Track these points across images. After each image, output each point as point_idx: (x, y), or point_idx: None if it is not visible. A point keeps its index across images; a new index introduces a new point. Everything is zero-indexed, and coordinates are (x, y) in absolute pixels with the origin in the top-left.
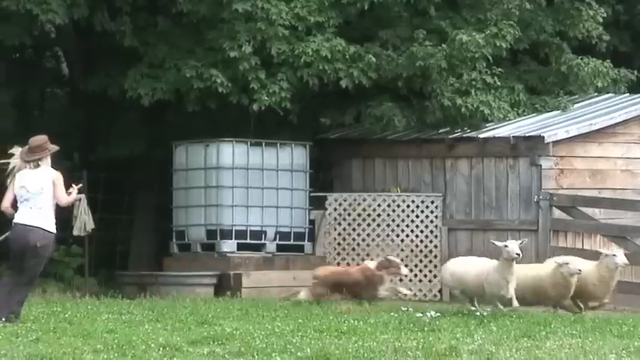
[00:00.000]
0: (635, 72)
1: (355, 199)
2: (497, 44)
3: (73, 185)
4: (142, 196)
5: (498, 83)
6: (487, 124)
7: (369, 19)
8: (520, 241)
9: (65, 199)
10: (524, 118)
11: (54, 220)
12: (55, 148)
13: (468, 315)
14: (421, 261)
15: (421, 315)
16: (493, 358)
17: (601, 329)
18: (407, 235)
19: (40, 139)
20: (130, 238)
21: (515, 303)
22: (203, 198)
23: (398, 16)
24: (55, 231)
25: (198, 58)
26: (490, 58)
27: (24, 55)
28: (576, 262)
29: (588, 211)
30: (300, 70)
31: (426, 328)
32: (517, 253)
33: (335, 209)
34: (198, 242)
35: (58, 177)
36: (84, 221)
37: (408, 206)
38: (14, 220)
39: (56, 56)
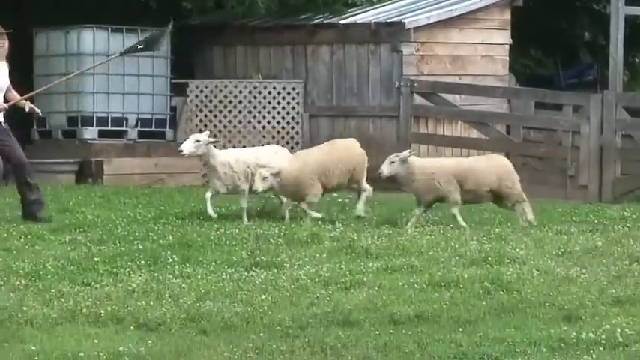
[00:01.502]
0: None
1: (217, 86)
2: None
3: None
4: None
5: None
6: (349, 10)
7: None
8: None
9: None
10: (385, 3)
11: None
12: None
13: (329, 202)
14: (283, 147)
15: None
16: (355, 244)
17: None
18: (268, 122)
19: None
20: None
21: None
22: (64, 85)
23: None
24: None
25: None
26: None
27: None
28: None
29: (449, 97)
30: None
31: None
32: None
33: (196, 96)
34: (59, 129)
35: None
36: None
37: (270, 92)
38: None
39: None
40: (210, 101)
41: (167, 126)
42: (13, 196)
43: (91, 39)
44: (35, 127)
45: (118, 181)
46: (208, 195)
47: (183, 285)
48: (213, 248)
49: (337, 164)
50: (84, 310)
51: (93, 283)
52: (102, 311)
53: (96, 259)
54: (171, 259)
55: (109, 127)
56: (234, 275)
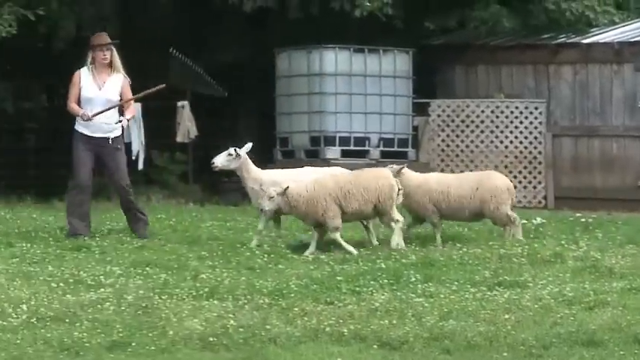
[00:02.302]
0: None
1: (459, 106)
2: None
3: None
4: (244, 102)
5: None
6: (591, 30)
7: None
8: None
9: None
10: (628, 23)
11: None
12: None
13: (573, 222)
14: (525, 167)
15: (526, 222)
16: (598, 264)
17: None
18: (511, 142)
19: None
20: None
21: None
22: (306, 105)
23: None
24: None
25: None
26: None
27: None
28: None
29: None
30: None
31: (531, 235)
32: None
33: (438, 115)
34: (301, 149)
35: None
36: (187, 128)
37: (512, 112)
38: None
39: None
40: (453, 121)
41: (409, 146)
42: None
43: (333, 59)
44: (278, 146)
45: None
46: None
47: (426, 304)
48: (455, 267)
49: (359, 190)
50: (327, 328)
51: (336, 302)
52: (345, 330)
53: (339, 278)
54: (413, 278)
55: (352, 147)
56: (477, 294)
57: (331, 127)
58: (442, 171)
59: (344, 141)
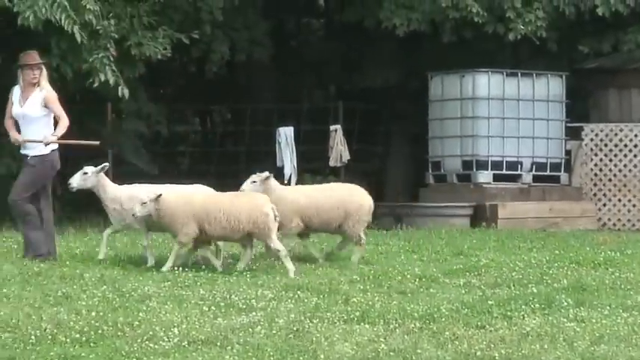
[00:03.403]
0: None
1: (612, 130)
2: None
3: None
4: (397, 126)
5: None
6: None
7: None
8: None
9: None
10: None
11: None
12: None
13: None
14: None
15: None
16: None
17: None
18: None
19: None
20: (386, 169)
21: None
22: (459, 128)
23: None
24: None
25: None
26: None
27: None
28: None
29: None
30: None
31: None
32: None
33: (591, 140)
34: (454, 173)
35: None
36: (340, 152)
37: None
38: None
39: None
40: (606, 145)
41: (562, 170)
42: (405, 239)
43: (486, 83)
44: (430, 170)
45: (513, 224)
46: (107, 232)
47: (578, 329)
48: (607, 292)
49: (227, 216)
50: (478, 352)
51: (487, 326)
52: (496, 354)
53: (490, 302)
54: (565, 303)
55: (504, 171)
56: (629, 319)
57: (483, 151)
58: (595, 195)
59: (496, 165)
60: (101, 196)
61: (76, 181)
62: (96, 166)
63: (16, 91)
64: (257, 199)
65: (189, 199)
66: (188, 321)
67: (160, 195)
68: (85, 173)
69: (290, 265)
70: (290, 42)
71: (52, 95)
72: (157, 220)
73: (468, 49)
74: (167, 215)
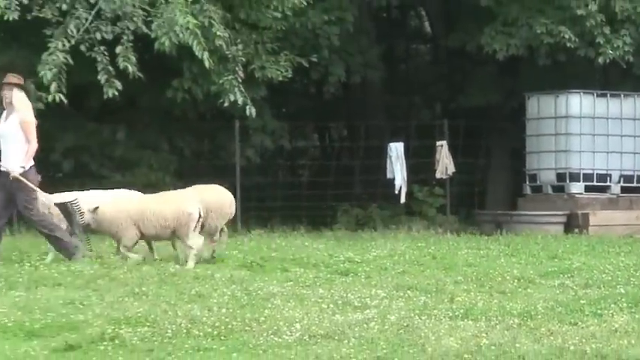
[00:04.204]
0: None
1: None
2: None
3: None
4: (497, 142)
5: None
6: None
7: None
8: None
9: None
10: None
11: None
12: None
13: None
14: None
15: None
16: None
17: None
18: None
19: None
20: (487, 180)
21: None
22: (553, 144)
23: None
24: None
25: (548, 16)
26: None
27: (391, 15)
28: None
29: None
30: None
31: None
32: None
33: None
34: (548, 184)
35: None
36: (445, 165)
37: None
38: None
39: (419, 15)
40: None
41: None
42: (505, 244)
43: (578, 103)
44: (527, 182)
45: (602, 231)
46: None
47: None
48: None
49: (157, 216)
50: (571, 347)
51: (579, 323)
52: (587, 349)
53: (582, 301)
54: None
55: (594, 183)
56: None
57: (576, 164)
58: None
59: (587, 177)
60: None
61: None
62: None
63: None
64: (184, 200)
65: (123, 205)
66: (308, 317)
67: (97, 207)
68: None
69: (191, 264)
70: (400, 65)
71: (24, 119)
72: (97, 228)
73: (561, 71)
74: (106, 222)
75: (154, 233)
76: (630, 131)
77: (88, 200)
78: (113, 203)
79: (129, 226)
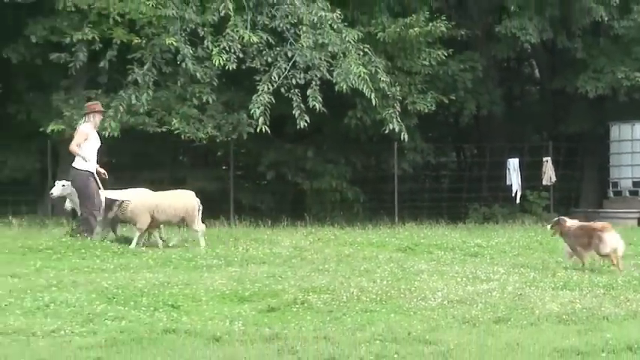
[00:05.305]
0: None
1: None
2: None
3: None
4: (588, 158)
5: None
6: None
7: None
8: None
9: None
10: None
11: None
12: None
13: None
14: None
15: None
16: None
17: None
18: None
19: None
20: (581, 187)
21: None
22: (630, 160)
23: None
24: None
25: (627, 65)
26: None
27: (509, 65)
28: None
29: None
30: None
31: None
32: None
33: None
34: (626, 189)
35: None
36: (550, 175)
37: None
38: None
39: (531, 65)
40: None
41: None
42: None
43: None
44: (610, 188)
45: None
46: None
47: None
48: None
49: (169, 207)
50: None
51: None
52: None
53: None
54: None
55: None
56: None
57: None
58: None
59: None
60: (73, 199)
61: (56, 191)
62: None
63: None
64: (188, 193)
65: (142, 198)
66: (447, 287)
67: (122, 202)
68: (64, 185)
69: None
70: (516, 102)
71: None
72: (122, 217)
73: (637, 106)
74: (126, 212)
75: (165, 219)
76: None
77: (114, 195)
78: (136, 198)
79: (144, 214)
